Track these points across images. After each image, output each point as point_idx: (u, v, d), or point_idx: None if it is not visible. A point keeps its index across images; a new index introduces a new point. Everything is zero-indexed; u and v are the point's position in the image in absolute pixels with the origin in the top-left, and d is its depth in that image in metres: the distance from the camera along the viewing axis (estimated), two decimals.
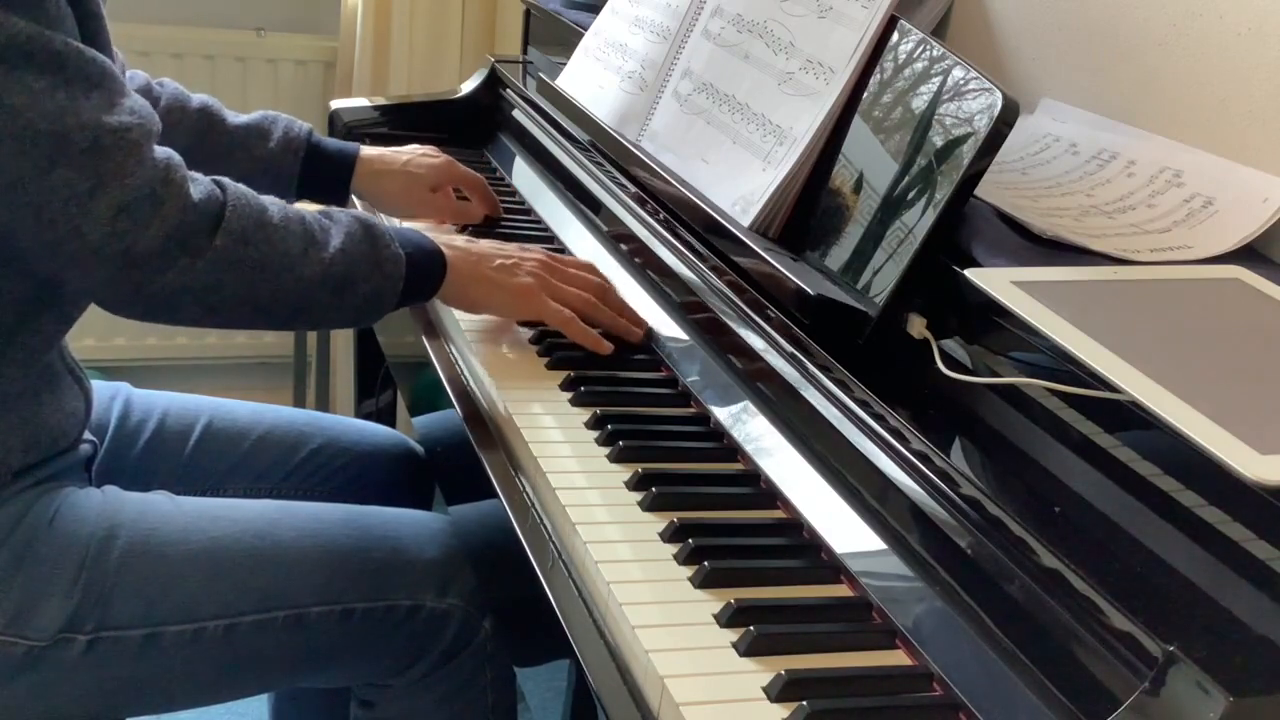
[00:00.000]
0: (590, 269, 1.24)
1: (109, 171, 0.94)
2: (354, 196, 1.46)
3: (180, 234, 0.97)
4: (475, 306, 1.19)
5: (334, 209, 1.11)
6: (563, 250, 1.43)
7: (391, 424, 1.77)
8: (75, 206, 0.94)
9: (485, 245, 1.20)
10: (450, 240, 1.18)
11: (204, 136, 1.36)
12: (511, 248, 1.21)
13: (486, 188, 1.49)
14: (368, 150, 1.44)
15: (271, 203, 1.05)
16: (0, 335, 1.02)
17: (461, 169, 1.47)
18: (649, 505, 0.94)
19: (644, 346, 1.20)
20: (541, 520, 0.95)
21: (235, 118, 1.39)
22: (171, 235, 0.97)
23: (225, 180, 1.04)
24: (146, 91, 1.34)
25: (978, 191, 0.98)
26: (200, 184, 1.01)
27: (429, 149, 1.48)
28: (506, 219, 1.51)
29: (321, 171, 1.40)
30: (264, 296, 1.03)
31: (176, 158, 1.00)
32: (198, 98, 1.38)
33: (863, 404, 0.93)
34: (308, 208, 1.11)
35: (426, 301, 1.17)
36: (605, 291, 1.21)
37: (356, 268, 1.06)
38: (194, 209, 0.98)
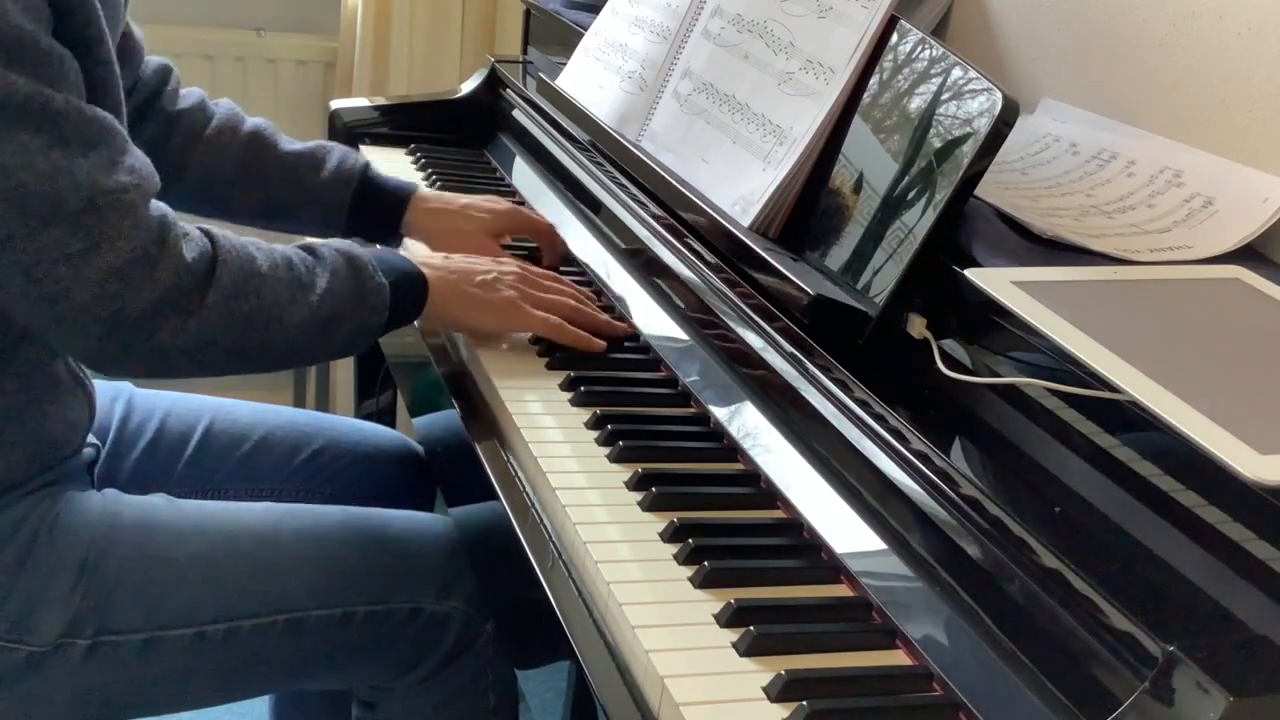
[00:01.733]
0: (562, 280, 1.24)
1: (103, 234, 0.92)
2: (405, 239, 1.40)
3: (172, 295, 0.96)
4: (459, 325, 1.19)
5: (318, 243, 1.10)
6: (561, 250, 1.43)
7: (391, 424, 1.77)
8: (66, 267, 0.92)
9: (459, 260, 1.19)
10: (427, 259, 1.17)
11: (254, 163, 1.33)
12: (486, 261, 1.20)
13: (554, 235, 1.40)
14: (425, 189, 1.40)
15: (258, 249, 1.03)
16: (2, 347, 1.02)
17: (528, 217, 1.39)
18: (649, 505, 0.94)
19: (644, 346, 1.20)
20: (541, 520, 0.95)
21: (289, 144, 1.36)
22: (164, 297, 0.95)
23: (215, 231, 1.02)
24: (202, 110, 1.33)
25: (978, 191, 0.98)
26: (193, 242, 0.99)
27: (495, 197, 1.42)
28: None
29: (373, 206, 1.36)
30: (254, 347, 1.02)
31: (171, 215, 0.98)
32: (251, 121, 1.35)
33: (863, 404, 0.93)
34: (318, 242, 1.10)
35: (410, 324, 1.16)
36: (579, 293, 1.22)
37: (343, 306, 1.05)
38: (187, 270, 0.97)
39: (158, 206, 0.98)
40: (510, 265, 1.20)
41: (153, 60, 1.30)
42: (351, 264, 1.07)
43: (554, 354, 1.16)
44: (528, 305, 1.16)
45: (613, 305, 1.28)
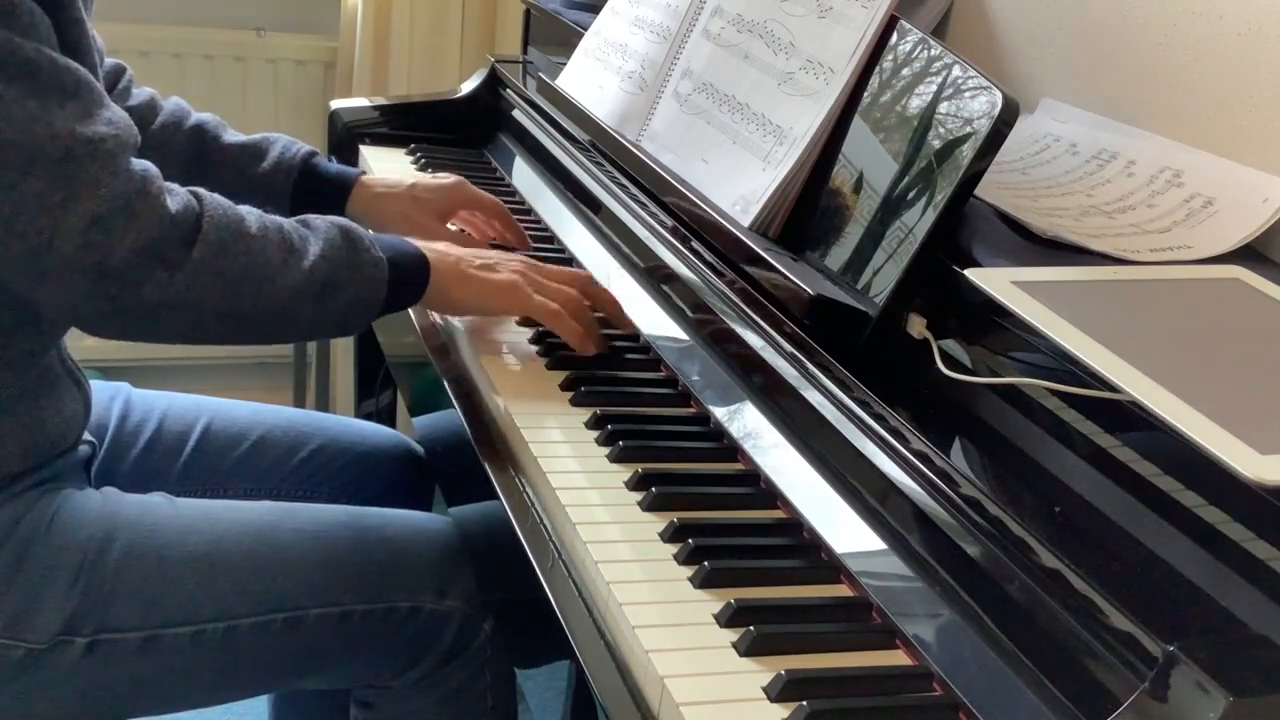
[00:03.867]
0: (573, 271, 1.23)
1: (82, 182, 0.92)
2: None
3: (156, 246, 0.95)
4: (460, 307, 1.18)
5: (312, 216, 1.09)
6: (563, 251, 1.43)
7: (391, 424, 1.77)
8: (47, 218, 0.91)
9: (463, 247, 1.19)
10: (430, 244, 1.16)
11: (198, 154, 1.34)
12: (493, 252, 1.20)
13: (506, 214, 1.40)
14: (371, 176, 1.40)
15: (249, 212, 1.03)
16: None
17: (473, 191, 1.39)
18: (649, 505, 0.94)
19: (644, 346, 1.20)
20: (541, 520, 0.95)
21: (233, 137, 1.37)
22: (147, 248, 0.95)
23: (202, 191, 1.02)
24: (150, 107, 1.34)
25: (978, 191, 0.98)
26: (177, 195, 0.99)
27: (443, 174, 1.42)
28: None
29: (315, 194, 1.36)
30: (246, 308, 1.01)
31: (153, 169, 0.98)
32: (197, 116, 1.36)
33: (863, 404, 0.93)
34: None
35: (413, 305, 1.15)
36: (589, 283, 1.21)
37: (338, 274, 1.04)
38: (170, 221, 0.96)
39: (139, 161, 0.97)
40: (515, 256, 1.20)
41: (109, 61, 1.30)
42: (346, 235, 1.07)
43: (554, 354, 1.16)
44: (530, 289, 1.15)
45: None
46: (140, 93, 1.35)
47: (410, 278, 1.11)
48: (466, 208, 1.40)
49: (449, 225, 1.38)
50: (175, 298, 0.97)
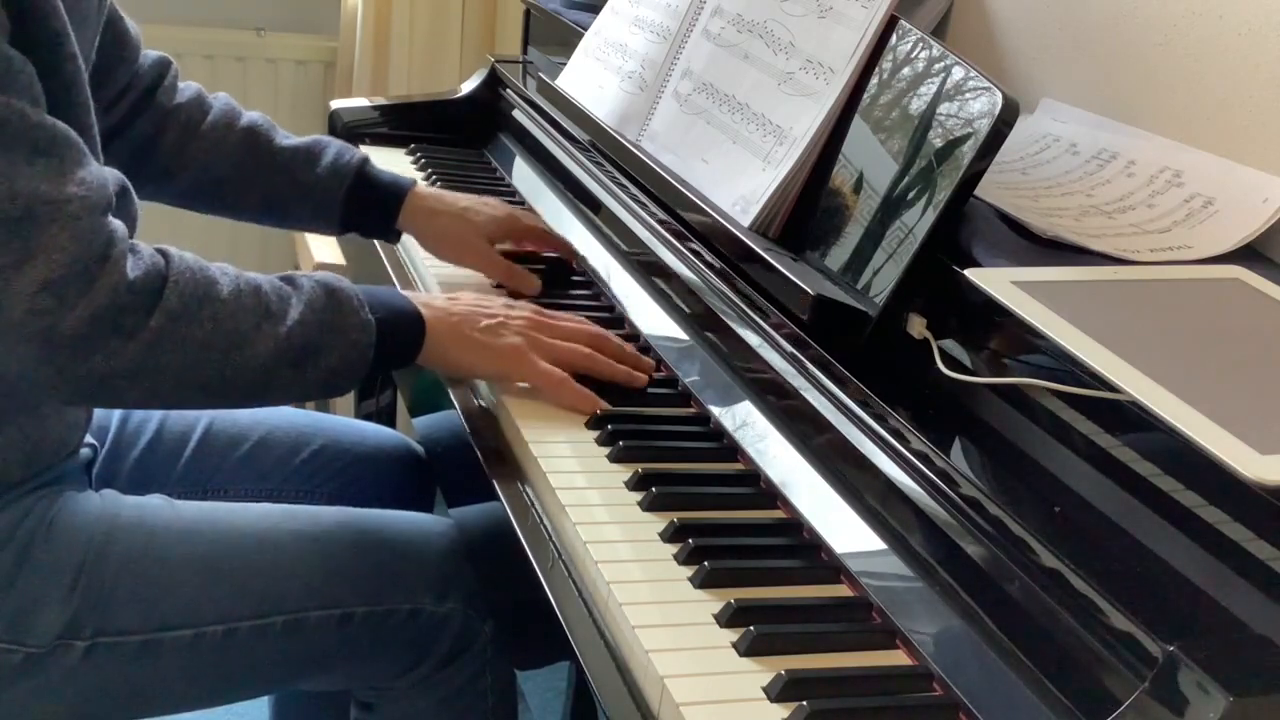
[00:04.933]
0: (582, 322, 1.15)
1: (39, 245, 0.88)
2: (404, 235, 1.37)
3: (110, 314, 0.90)
4: (458, 370, 1.12)
5: (298, 274, 1.04)
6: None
7: (391, 424, 1.77)
8: None
9: (467, 301, 1.12)
10: (429, 300, 1.10)
11: (249, 158, 1.31)
12: (497, 304, 1.13)
13: (546, 234, 1.38)
14: (424, 187, 1.37)
15: (223, 274, 0.98)
16: None
17: (524, 223, 1.36)
18: (649, 505, 0.94)
19: (644, 346, 1.20)
20: (541, 520, 0.95)
21: (285, 139, 1.33)
22: (99, 316, 0.90)
23: (172, 251, 0.97)
24: (198, 105, 1.31)
25: (978, 191, 0.98)
26: (141, 259, 0.94)
27: (493, 200, 1.39)
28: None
29: (368, 202, 1.33)
30: (212, 378, 0.96)
31: (121, 232, 0.94)
32: (248, 116, 1.33)
33: (863, 404, 0.93)
34: (314, 270, 1.05)
35: (406, 366, 1.10)
36: (601, 339, 1.13)
37: (318, 339, 0.99)
38: (128, 288, 0.91)
39: (108, 222, 0.93)
40: (523, 310, 1.12)
41: (151, 54, 1.29)
42: (332, 296, 1.02)
43: None
44: (534, 354, 1.08)
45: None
46: (186, 88, 1.32)
47: (402, 337, 1.06)
48: (516, 237, 1.36)
49: (496, 247, 1.34)
50: (129, 367, 0.92)
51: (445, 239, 1.33)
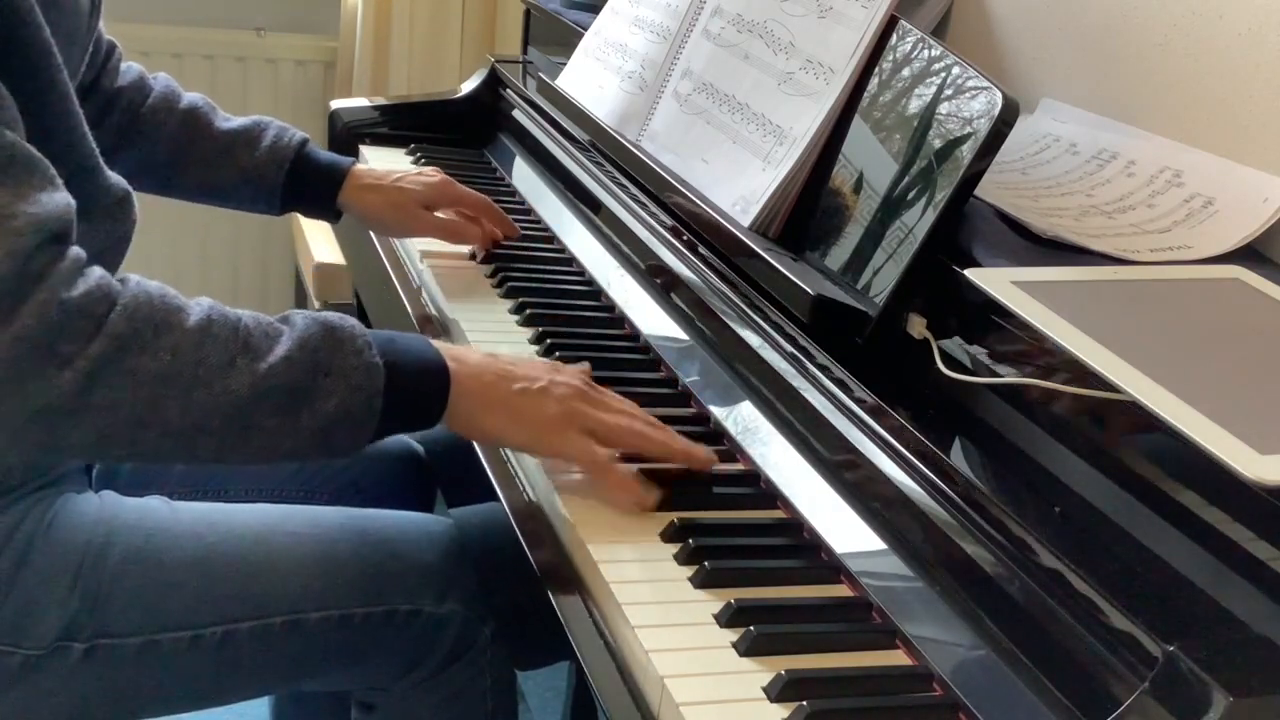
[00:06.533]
0: (633, 406, 1.00)
1: None
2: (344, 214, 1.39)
3: (40, 336, 0.80)
4: (488, 438, 1.01)
5: (295, 312, 0.93)
6: (563, 251, 1.43)
7: None
8: None
9: (507, 360, 0.99)
10: (461, 354, 0.97)
11: (189, 140, 1.32)
12: (541, 366, 0.99)
13: (493, 209, 1.39)
14: (362, 166, 1.39)
15: (197, 305, 0.88)
16: None
17: (460, 189, 1.38)
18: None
19: (644, 346, 1.20)
20: (542, 520, 0.95)
21: (225, 122, 1.34)
22: (25, 338, 0.79)
23: (132, 277, 0.87)
24: (139, 88, 1.32)
25: (978, 191, 0.98)
26: (88, 281, 0.83)
27: (429, 169, 1.42)
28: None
29: (308, 183, 1.34)
30: (173, 419, 0.84)
31: (71, 254, 0.84)
32: (189, 97, 1.34)
33: (862, 404, 0.93)
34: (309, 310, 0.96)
35: (430, 428, 0.95)
36: (649, 424, 0.99)
37: (307, 381, 0.87)
38: (61, 308, 0.80)
39: (59, 247, 0.84)
40: (569, 377, 0.98)
41: (103, 40, 1.29)
42: (330, 335, 0.90)
43: (553, 354, 1.16)
44: (575, 428, 0.95)
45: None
46: (128, 69, 1.32)
47: (421, 389, 0.93)
48: (451, 204, 1.39)
49: (436, 214, 1.37)
50: (66, 402, 0.81)
51: (384, 213, 1.36)
